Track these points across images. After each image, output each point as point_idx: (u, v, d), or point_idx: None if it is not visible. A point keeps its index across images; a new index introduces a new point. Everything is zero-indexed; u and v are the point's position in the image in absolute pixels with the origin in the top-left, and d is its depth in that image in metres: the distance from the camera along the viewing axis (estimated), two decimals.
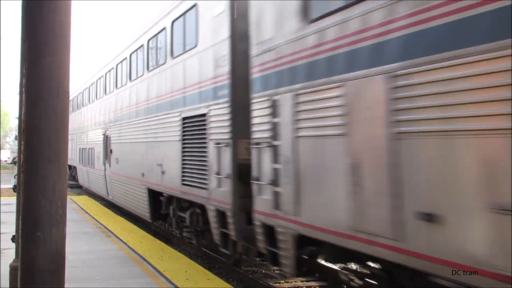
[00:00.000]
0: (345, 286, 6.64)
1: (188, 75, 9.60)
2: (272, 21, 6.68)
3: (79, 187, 28.26)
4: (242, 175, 7.70)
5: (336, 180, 5.35)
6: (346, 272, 6.32)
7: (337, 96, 5.34)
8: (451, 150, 4.04)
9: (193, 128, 9.39)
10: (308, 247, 6.37)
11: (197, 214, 9.70)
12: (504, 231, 3.58)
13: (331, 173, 5.46)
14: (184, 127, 9.82)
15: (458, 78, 3.97)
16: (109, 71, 17.32)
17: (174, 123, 10.29)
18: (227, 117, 8.02)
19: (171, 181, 10.41)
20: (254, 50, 7.19)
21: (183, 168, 9.75)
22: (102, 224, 13.98)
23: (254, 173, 7.09)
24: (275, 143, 6.50)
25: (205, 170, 8.79)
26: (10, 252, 7.17)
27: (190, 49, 9.57)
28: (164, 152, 10.84)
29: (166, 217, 11.68)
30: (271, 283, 8.43)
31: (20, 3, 2.87)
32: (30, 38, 2.70)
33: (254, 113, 7.14)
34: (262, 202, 6.91)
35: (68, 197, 19.69)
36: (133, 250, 10.35)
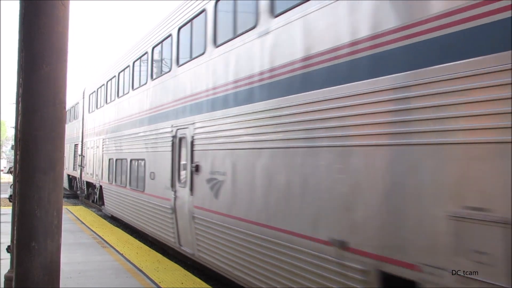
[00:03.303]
0: None
1: None
2: None
3: (75, 197, 28.17)
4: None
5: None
6: None
7: None
8: None
9: None
10: None
11: None
12: None
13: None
14: None
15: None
16: None
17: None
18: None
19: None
20: None
21: None
22: (98, 235, 13.91)
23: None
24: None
25: None
26: (7, 262, 7.13)
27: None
28: None
29: None
30: None
31: (17, 13, 2.87)
32: (27, 49, 2.71)
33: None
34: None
35: (64, 207, 19.26)
36: (129, 261, 10.29)
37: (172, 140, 10.54)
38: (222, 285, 9.35)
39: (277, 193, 6.54)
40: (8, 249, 6.71)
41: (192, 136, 9.37)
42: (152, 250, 11.87)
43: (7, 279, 6.11)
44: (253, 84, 7.18)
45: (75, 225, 15.92)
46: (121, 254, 11.02)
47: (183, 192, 9.88)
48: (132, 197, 13.91)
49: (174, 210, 10.37)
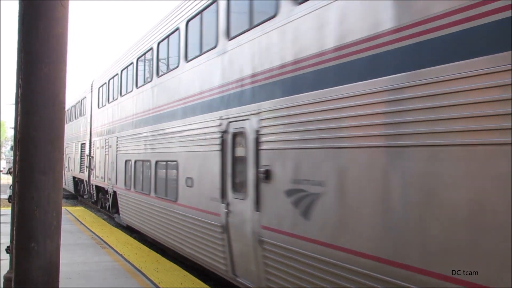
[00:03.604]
0: None
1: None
2: None
3: (75, 197, 28.08)
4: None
5: None
6: None
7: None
8: None
9: None
10: None
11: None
12: None
13: None
14: None
15: None
16: None
17: None
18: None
19: None
20: None
21: None
22: (97, 235, 13.91)
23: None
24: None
25: None
26: (7, 263, 7.14)
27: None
28: None
29: None
30: None
31: (17, 12, 2.88)
32: (26, 49, 2.71)
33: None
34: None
35: (64, 208, 19.27)
36: (128, 262, 10.29)
37: (222, 137, 8.01)
38: (221, 285, 9.35)
39: (450, 219, 3.97)
40: (8, 250, 6.71)
41: (257, 131, 6.90)
42: (151, 250, 11.87)
43: (7, 279, 6.11)
44: (379, 48, 4.71)
45: (75, 226, 15.91)
46: (120, 255, 11.01)
47: (242, 206, 7.37)
48: (159, 208, 11.18)
49: (225, 229, 7.84)
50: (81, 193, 25.12)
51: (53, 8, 2.75)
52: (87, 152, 21.41)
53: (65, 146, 26.64)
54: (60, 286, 2.99)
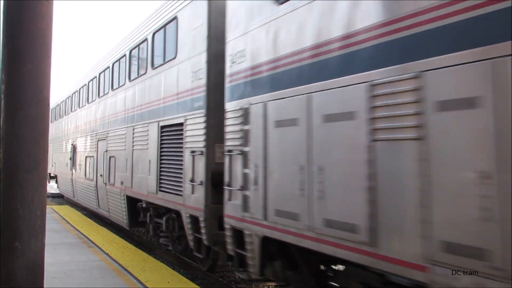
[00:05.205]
0: None
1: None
2: None
3: (61, 196, 27.80)
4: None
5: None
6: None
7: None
8: None
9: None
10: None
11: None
12: None
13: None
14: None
15: None
16: None
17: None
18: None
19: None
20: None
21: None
22: (83, 234, 13.80)
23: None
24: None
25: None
26: None
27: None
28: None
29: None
30: None
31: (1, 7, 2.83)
32: (9, 45, 2.66)
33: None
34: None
35: (49, 206, 18.81)
36: (115, 261, 10.21)
37: None
38: (209, 284, 9.33)
39: None
40: None
41: None
42: (138, 249, 11.80)
43: None
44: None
45: (60, 225, 15.77)
46: (107, 254, 10.93)
47: None
48: None
49: None
50: (152, 233, 11.72)
51: (37, 4, 2.71)
52: (192, 143, 8.63)
53: (97, 137, 16.07)
54: (46, 286, 2.95)
